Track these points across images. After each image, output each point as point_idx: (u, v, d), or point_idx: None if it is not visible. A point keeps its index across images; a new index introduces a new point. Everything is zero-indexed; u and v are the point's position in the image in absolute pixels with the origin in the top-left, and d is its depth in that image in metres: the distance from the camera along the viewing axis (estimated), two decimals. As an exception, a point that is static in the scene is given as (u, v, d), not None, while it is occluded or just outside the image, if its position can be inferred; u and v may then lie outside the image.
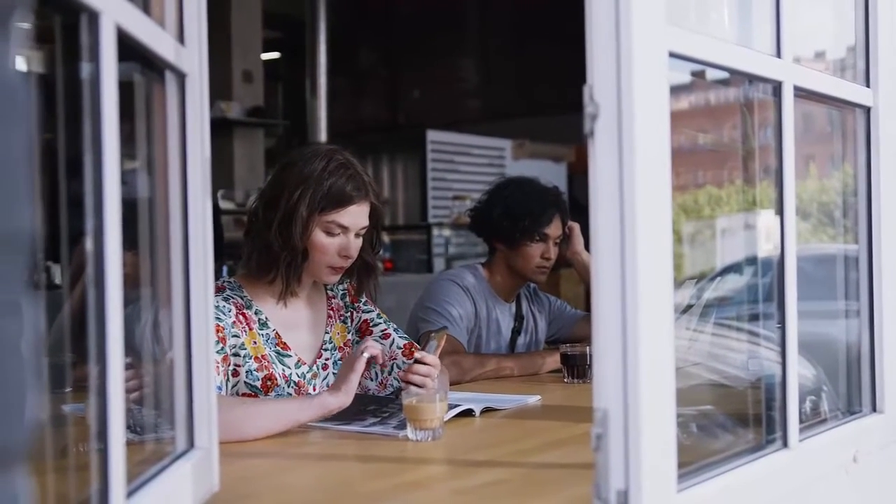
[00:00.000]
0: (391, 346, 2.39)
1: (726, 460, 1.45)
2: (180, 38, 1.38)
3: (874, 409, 1.86)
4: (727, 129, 2.03)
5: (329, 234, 2.24)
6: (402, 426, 1.97)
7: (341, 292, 2.47)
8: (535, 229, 3.05)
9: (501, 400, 2.35)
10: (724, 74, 1.60)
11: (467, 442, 2.00)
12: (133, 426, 1.32)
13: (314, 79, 8.85)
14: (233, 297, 2.24)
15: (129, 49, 1.15)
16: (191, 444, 1.41)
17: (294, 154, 2.32)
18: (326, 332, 2.39)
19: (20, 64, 0.64)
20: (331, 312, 2.42)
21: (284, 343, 2.29)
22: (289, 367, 2.27)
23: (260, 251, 2.25)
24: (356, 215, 2.25)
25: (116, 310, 1.05)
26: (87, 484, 1.11)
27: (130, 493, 1.13)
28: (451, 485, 1.64)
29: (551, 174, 7.03)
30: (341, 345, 2.41)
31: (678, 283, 1.33)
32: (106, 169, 1.03)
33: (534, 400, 2.42)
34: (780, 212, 1.57)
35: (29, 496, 0.65)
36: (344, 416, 2.07)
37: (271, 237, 2.21)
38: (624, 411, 1.20)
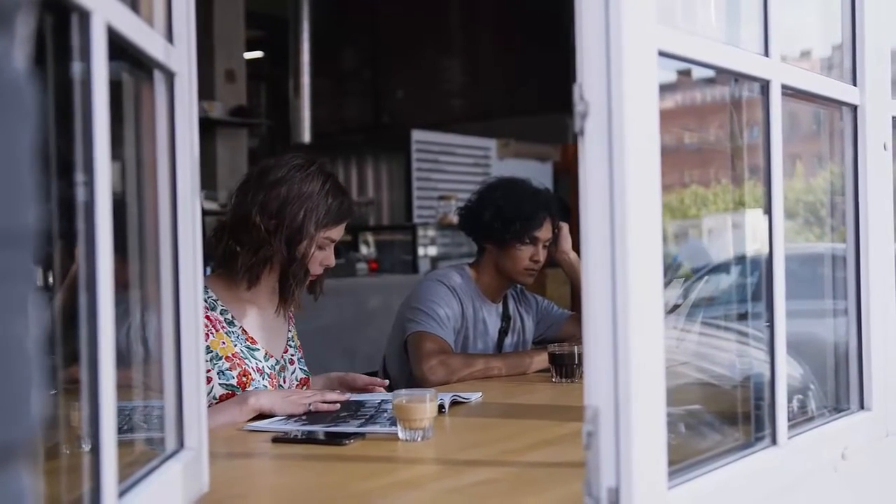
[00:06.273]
0: (292, 374, 2.49)
1: (716, 458, 1.46)
2: (169, 36, 1.38)
3: (862, 407, 1.86)
4: (713, 129, 2.04)
5: (320, 248, 2.37)
6: (395, 422, 1.96)
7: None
8: (526, 232, 3.04)
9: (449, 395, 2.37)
10: (710, 73, 1.61)
11: (457, 441, 2.01)
12: (120, 425, 1.31)
13: (297, 78, 8.85)
14: None
15: (118, 48, 1.14)
16: (181, 444, 1.41)
17: (282, 168, 2.36)
18: (290, 331, 2.52)
19: (25, 62, 0.64)
20: (290, 315, 2.54)
21: (252, 338, 2.37)
22: (259, 361, 2.36)
23: (258, 262, 2.32)
24: (343, 229, 2.43)
25: (107, 311, 1.04)
26: (76, 485, 1.10)
27: (121, 494, 1.12)
28: (443, 484, 1.64)
29: (537, 174, 7.04)
30: (299, 345, 2.55)
31: (666, 283, 1.33)
32: (97, 170, 1.03)
33: (476, 397, 2.42)
34: (769, 210, 1.57)
35: (34, 492, 0.65)
36: (327, 420, 2.07)
37: (273, 252, 2.31)
38: (615, 409, 1.20)
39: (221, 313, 2.34)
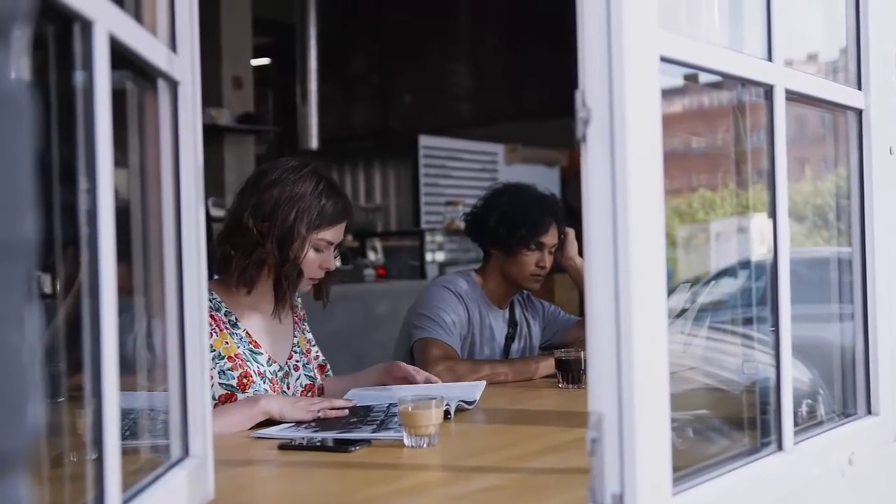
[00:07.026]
0: (297, 380, 2.48)
1: (721, 464, 1.45)
2: (172, 45, 1.38)
3: (869, 412, 1.86)
4: (720, 133, 2.03)
5: (317, 250, 2.37)
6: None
7: (299, 304, 2.60)
8: (532, 238, 3.04)
9: (455, 387, 2.40)
10: (716, 78, 1.61)
11: (463, 448, 2.00)
12: (124, 432, 1.32)
13: (304, 85, 8.85)
14: None
15: (121, 57, 1.14)
16: (185, 452, 1.41)
17: (276, 170, 2.37)
18: (295, 337, 2.51)
19: (21, 72, 0.64)
20: (296, 319, 2.55)
21: (255, 342, 2.38)
22: (262, 365, 2.36)
23: (252, 265, 2.33)
24: (341, 231, 2.41)
25: (111, 318, 1.04)
26: (81, 493, 1.10)
27: (125, 502, 1.12)
28: (448, 491, 1.64)
29: (544, 179, 7.04)
30: (305, 350, 2.54)
31: (672, 288, 1.33)
32: (100, 178, 1.03)
33: (480, 388, 2.45)
34: (773, 214, 1.57)
35: (31, 501, 0.65)
36: (338, 427, 2.07)
37: (266, 254, 2.31)
38: (619, 415, 1.20)
39: (226, 315, 2.34)
